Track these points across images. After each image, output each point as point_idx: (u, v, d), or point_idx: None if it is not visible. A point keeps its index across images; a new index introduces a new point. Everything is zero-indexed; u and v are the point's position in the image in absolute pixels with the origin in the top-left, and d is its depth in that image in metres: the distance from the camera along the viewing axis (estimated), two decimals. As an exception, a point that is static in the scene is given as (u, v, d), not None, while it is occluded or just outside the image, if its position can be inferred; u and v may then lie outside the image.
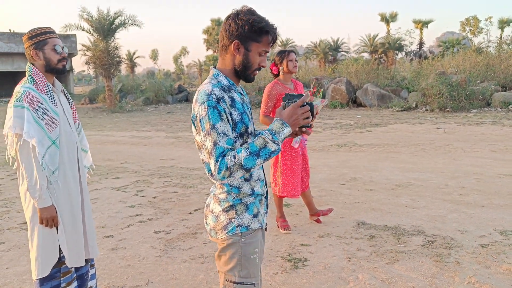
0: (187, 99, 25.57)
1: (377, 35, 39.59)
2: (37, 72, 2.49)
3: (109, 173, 7.27)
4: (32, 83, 2.43)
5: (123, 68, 48.46)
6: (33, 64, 2.52)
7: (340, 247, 3.80)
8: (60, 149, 2.45)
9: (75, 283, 2.57)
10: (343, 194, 5.48)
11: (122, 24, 22.48)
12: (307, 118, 1.71)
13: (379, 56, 37.85)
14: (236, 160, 1.61)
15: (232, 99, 1.71)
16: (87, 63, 27.31)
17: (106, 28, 22.12)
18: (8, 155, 2.52)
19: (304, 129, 1.78)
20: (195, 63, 67.50)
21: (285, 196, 4.21)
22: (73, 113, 2.66)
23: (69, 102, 2.65)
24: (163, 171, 7.26)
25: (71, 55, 42.89)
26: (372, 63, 22.69)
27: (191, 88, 33.95)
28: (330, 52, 40.82)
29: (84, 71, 57.89)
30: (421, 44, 37.96)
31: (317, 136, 10.72)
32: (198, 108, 1.68)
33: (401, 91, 18.23)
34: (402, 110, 15.90)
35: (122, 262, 3.66)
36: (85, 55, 24.75)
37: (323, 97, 4.46)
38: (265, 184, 1.92)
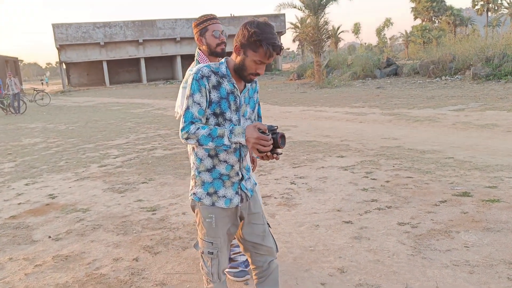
0: (396, 73, 23.94)
1: None
2: (202, 56, 2.79)
3: (331, 150, 7.08)
4: None
5: (327, 44, 49.10)
6: (200, 49, 2.81)
7: None
8: None
9: None
10: None
11: (333, -2, 22.28)
12: (265, 147, 1.85)
13: None
14: (196, 132, 1.90)
15: (219, 83, 1.96)
16: (295, 40, 28.48)
17: (316, 3, 22.31)
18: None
19: (269, 154, 1.92)
20: (401, 35, 63.43)
21: None
22: None
23: None
24: (389, 151, 6.67)
25: (279, 33, 45.57)
26: None
27: (395, 61, 31.82)
28: None
29: (288, 48, 61.02)
30: None
31: None
32: (190, 77, 2.00)
33: None
34: None
35: (369, 255, 3.29)
36: (295, 32, 25.65)
37: None
38: (240, 169, 2.07)
